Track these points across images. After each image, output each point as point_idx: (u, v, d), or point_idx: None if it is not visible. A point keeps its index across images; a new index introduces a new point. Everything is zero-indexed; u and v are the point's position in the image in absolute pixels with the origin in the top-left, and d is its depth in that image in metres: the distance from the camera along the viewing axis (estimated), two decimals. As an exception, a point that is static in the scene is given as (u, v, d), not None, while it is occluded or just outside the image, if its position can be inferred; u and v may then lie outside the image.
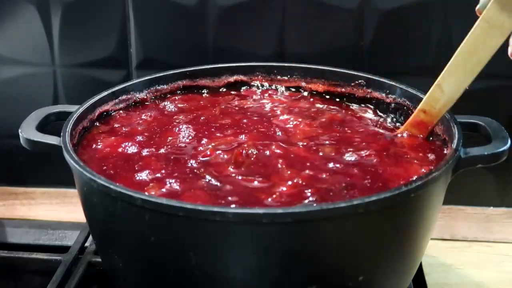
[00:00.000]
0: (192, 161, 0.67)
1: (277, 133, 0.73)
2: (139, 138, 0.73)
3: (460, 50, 0.68)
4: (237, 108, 0.80)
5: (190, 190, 0.62)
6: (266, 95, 0.84)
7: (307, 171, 0.64)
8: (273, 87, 0.86)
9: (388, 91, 0.80)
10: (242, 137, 0.72)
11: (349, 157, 0.67)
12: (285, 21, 0.90)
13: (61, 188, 1.00)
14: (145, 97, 0.82)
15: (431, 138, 0.73)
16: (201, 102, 0.82)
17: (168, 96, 0.84)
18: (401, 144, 0.71)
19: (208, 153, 0.68)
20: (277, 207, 0.59)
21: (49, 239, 0.95)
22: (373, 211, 0.57)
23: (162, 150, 0.70)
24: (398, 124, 0.77)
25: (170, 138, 0.72)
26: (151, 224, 0.59)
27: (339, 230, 0.59)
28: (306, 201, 0.60)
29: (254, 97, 0.84)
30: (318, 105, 0.81)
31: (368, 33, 0.88)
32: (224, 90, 0.86)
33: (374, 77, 0.81)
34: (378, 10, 0.87)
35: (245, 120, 0.76)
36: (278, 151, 0.68)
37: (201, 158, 0.67)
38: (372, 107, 0.81)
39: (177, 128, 0.74)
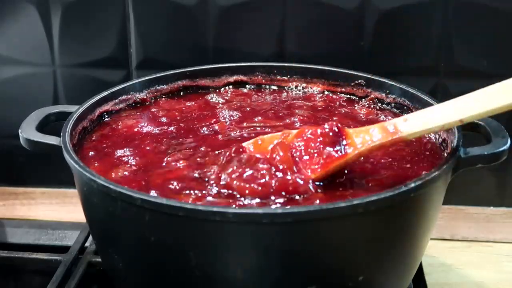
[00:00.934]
0: None
1: None
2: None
3: None
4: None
5: None
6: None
7: None
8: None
9: (388, 91, 0.80)
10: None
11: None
12: (285, 21, 0.90)
13: (61, 188, 1.00)
14: (145, 97, 0.82)
15: (427, 137, 0.73)
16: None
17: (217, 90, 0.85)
18: None
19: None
20: (277, 207, 0.59)
21: (49, 239, 0.95)
22: (373, 211, 0.57)
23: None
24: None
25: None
26: (151, 224, 0.59)
27: (339, 230, 0.59)
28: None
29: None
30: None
31: (368, 33, 0.88)
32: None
33: (374, 77, 0.81)
34: (378, 10, 0.87)
35: None
36: None
37: None
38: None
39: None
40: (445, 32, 0.87)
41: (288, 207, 0.59)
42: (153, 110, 0.81)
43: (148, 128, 0.76)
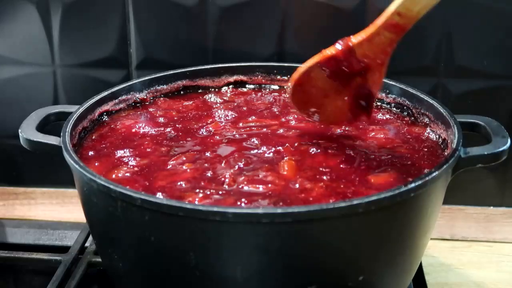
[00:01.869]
0: None
1: None
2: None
3: None
4: None
5: None
6: None
7: None
8: None
9: (388, 91, 0.80)
10: None
11: None
12: (285, 21, 0.90)
13: (61, 188, 1.00)
14: (145, 97, 0.82)
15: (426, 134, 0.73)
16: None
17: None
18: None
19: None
20: (277, 207, 0.59)
21: (49, 239, 0.95)
22: (373, 211, 0.57)
23: None
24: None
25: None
26: (151, 224, 0.59)
27: (339, 230, 0.59)
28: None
29: None
30: None
31: (368, 33, 0.88)
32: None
33: (374, 77, 0.81)
34: (378, 10, 0.87)
35: None
36: None
37: None
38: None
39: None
40: (445, 32, 0.87)
41: (288, 207, 0.59)
42: (151, 109, 0.81)
43: (146, 128, 0.76)
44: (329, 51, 0.69)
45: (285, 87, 0.84)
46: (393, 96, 0.80)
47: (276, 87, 0.87)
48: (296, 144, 0.71)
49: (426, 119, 0.75)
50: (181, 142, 0.73)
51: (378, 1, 0.87)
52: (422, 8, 0.62)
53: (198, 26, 0.91)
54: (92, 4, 0.91)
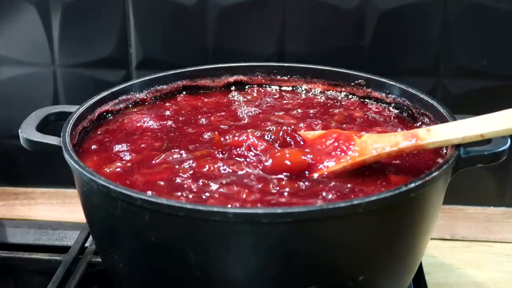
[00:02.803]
0: None
1: None
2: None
3: None
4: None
5: None
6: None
7: None
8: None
9: (388, 91, 0.80)
10: None
11: None
12: (285, 21, 0.90)
13: (61, 188, 1.00)
14: (145, 97, 0.82)
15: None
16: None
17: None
18: None
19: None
20: (277, 207, 0.59)
21: (49, 239, 0.95)
22: (373, 211, 0.57)
23: None
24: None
25: None
26: (151, 224, 0.59)
27: (339, 230, 0.59)
28: None
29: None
30: None
31: (368, 33, 0.88)
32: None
33: (374, 77, 0.81)
34: (378, 10, 0.87)
35: None
36: None
37: None
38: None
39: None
40: (445, 32, 0.87)
41: (288, 207, 0.59)
42: (167, 104, 0.82)
43: (149, 123, 0.76)
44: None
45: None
46: (393, 96, 0.80)
47: (276, 87, 0.87)
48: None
49: (426, 119, 0.75)
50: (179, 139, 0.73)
51: (378, 1, 0.87)
52: (449, 136, 0.65)
53: (198, 26, 0.91)
54: (92, 4, 0.91)
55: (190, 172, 0.65)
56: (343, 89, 0.83)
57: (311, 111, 0.79)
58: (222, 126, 0.75)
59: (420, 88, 0.78)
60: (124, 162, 0.68)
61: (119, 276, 0.69)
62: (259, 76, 0.87)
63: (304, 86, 0.85)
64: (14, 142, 0.90)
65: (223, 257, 0.59)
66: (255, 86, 0.86)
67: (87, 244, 0.87)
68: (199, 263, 0.59)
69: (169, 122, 0.77)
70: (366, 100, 0.82)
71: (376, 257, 0.62)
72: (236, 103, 0.82)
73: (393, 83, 0.80)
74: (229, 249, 0.58)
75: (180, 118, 0.78)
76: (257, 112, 0.79)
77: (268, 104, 0.82)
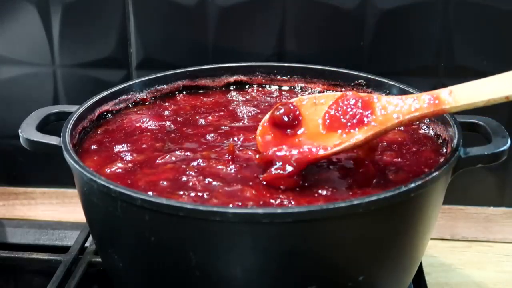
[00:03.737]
0: None
1: None
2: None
3: None
4: None
5: None
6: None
7: None
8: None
9: (387, 91, 0.80)
10: None
11: None
12: (285, 21, 0.90)
13: (61, 188, 1.00)
14: (145, 97, 0.82)
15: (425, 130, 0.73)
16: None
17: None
18: None
19: None
20: (277, 207, 0.59)
21: (49, 239, 0.95)
22: (373, 211, 0.57)
23: None
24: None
25: None
26: (151, 224, 0.59)
27: (339, 230, 0.59)
28: None
29: None
30: None
31: (368, 33, 0.88)
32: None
33: (374, 77, 0.81)
34: (378, 10, 0.87)
35: None
36: None
37: None
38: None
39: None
40: (445, 32, 0.87)
41: (288, 207, 0.59)
42: (166, 104, 0.82)
43: (149, 123, 0.76)
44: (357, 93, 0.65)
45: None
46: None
47: (276, 87, 0.87)
48: None
49: (426, 120, 0.75)
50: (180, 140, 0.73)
51: (378, 1, 0.87)
52: (471, 98, 0.62)
53: (198, 26, 0.91)
54: (92, 4, 0.91)
55: (195, 171, 0.65)
56: (343, 89, 0.83)
57: None
58: (222, 127, 0.75)
59: (420, 88, 0.78)
60: (125, 162, 0.68)
61: (119, 276, 0.69)
62: (259, 76, 0.87)
63: (304, 86, 0.85)
64: (14, 142, 0.90)
65: (223, 257, 0.59)
66: (255, 86, 0.87)
67: (87, 244, 0.87)
68: (199, 263, 0.59)
69: (168, 123, 0.77)
70: None
71: (376, 257, 0.62)
72: (235, 102, 0.83)
73: (393, 83, 0.80)
74: (229, 249, 0.58)
75: (179, 119, 0.78)
76: (256, 112, 0.79)
77: (267, 104, 0.82)
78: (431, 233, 0.68)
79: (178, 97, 0.84)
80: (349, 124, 0.64)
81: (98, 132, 0.75)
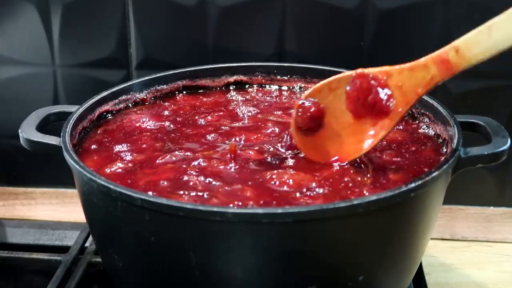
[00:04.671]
0: None
1: None
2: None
3: None
4: None
5: None
6: None
7: None
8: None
9: (388, 91, 0.80)
10: None
11: None
12: (285, 21, 0.90)
13: (61, 188, 1.00)
14: (145, 97, 0.83)
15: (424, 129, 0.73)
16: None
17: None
18: None
19: None
20: (277, 207, 0.59)
21: (49, 239, 0.95)
22: (373, 211, 0.57)
23: None
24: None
25: None
26: (151, 224, 0.59)
27: (339, 230, 0.59)
28: None
29: None
30: None
31: (368, 33, 0.88)
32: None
33: (374, 77, 0.81)
34: (378, 10, 0.87)
35: None
36: None
37: None
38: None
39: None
40: (445, 32, 0.87)
41: (288, 207, 0.59)
42: (166, 104, 0.82)
43: (149, 123, 0.76)
44: (366, 70, 0.67)
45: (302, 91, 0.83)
46: (393, 96, 0.80)
47: (276, 87, 0.87)
48: None
49: (426, 119, 0.75)
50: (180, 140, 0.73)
51: (378, 1, 0.87)
52: (480, 53, 0.61)
53: (198, 26, 0.91)
54: (92, 4, 0.91)
55: (196, 171, 0.65)
56: (343, 89, 0.83)
57: None
58: (222, 127, 0.75)
59: (420, 88, 0.78)
60: (125, 162, 0.68)
61: (119, 276, 0.69)
62: (259, 76, 0.87)
63: (304, 86, 0.85)
64: (14, 142, 0.90)
65: (223, 257, 0.59)
66: (255, 86, 0.87)
67: (87, 244, 0.87)
68: (199, 263, 0.59)
69: (167, 123, 0.77)
70: None
71: (376, 257, 0.62)
72: (235, 102, 0.83)
73: (393, 83, 0.80)
74: (229, 249, 0.58)
75: (179, 119, 0.78)
76: (255, 111, 0.79)
77: (266, 104, 0.82)
78: (431, 233, 0.68)
79: (178, 97, 0.84)
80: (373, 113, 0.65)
81: (98, 132, 0.75)
